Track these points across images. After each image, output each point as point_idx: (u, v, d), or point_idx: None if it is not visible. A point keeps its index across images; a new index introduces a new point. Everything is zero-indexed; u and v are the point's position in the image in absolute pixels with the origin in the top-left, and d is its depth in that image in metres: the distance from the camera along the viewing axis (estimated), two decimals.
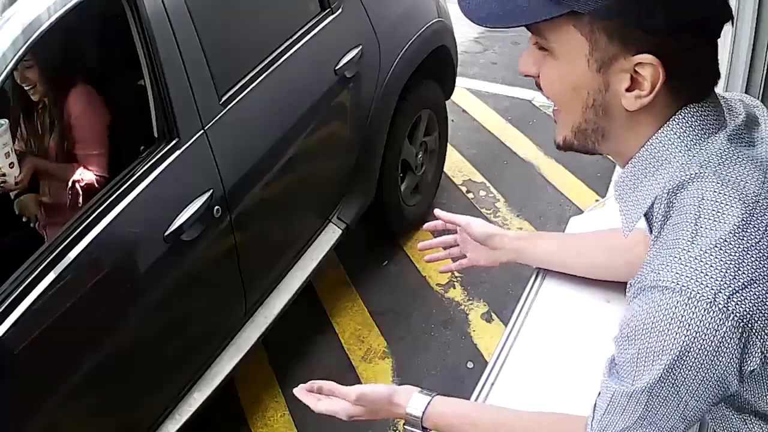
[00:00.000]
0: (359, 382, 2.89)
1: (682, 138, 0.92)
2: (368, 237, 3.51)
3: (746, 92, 1.74)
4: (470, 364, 2.95)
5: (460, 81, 3.95)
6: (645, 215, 0.99)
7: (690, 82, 0.92)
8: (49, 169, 2.51)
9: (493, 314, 3.15)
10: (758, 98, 1.62)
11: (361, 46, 2.91)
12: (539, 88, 0.98)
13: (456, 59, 3.63)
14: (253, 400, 2.89)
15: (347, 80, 2.87)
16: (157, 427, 2.29)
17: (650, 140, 0.94)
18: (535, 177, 3.95)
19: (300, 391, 1.32)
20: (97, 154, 2.45)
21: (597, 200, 3.64)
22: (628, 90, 0.91)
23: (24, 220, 2.59)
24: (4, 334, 1.78)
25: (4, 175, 2.31)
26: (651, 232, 1.00)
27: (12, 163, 2.32)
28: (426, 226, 1.62)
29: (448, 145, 3.81)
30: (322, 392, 1.31)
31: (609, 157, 1.04)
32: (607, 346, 1.33)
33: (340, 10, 2.87)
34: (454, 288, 3.30)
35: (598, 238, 1.46)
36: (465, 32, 5.13)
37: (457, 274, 3.32)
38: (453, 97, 3.80)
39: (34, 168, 2.48)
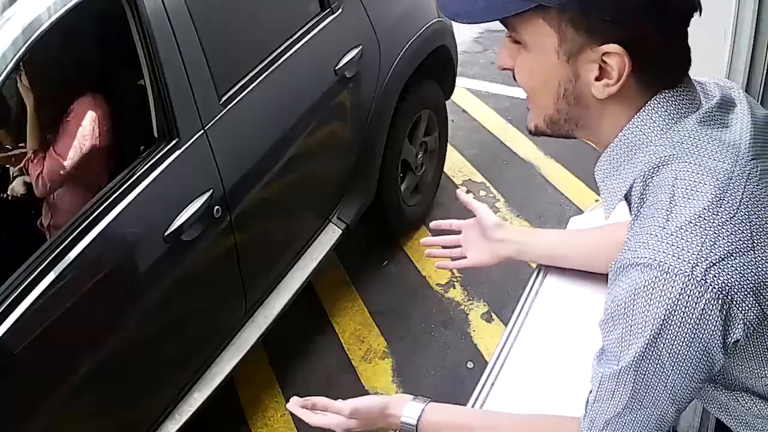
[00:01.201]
0: (359, 383, 2.92)
1: (657, 122, 0.95)
2: (368, 237, 3.51)
3: (746, 92, 1.75)
4: (470, 364, 2.94)
5: (460, 81, 3.95)
6: (626, 199, 1.02)
7: (659, 70, 0.95)
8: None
9: (493, 314, 3.15)
10: (758, 99, 1.63)
11: (361, 46, 2.91)
12: (516, 80, 1.02)
13: (456, 59, 3.63)
14: (253, 400, 2.89)
15: (347, 80, 2.87)
16: (157, 427, 2.29)
17: (626, 126, 0.97)
18: (535, 177, 3.95)
19: (293, 406, 1.32)
20: (62, 163, 2.33)
21: (597, 200, 3.64)
22: (597, 79, 0.94)
23: (9, 197, 2.57)
24: (4, 334, 1.78)
25: None
26: (631, 215, 1.02)
27: None
28: (432, 224, 1.62)
29: (448, 145, 3.81)
30: (315, 408, 1.30)
31: (588, 142, 1.06)
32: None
33: (340, 10, 2.87)
34: (454, 288, 3.30)
35: (600, 232, 1.47)
36: (465, 32, 5.14)
37: (457, 274, 3.32)
38: (453, 97, 3.80)
39: None
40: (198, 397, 2.39)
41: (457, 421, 1.24)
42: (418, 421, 1.21)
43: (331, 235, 2.98)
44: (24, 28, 1.87)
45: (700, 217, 0.88)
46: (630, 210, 1.02)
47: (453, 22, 3.55)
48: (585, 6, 0.90)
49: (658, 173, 0.94)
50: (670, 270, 0.87)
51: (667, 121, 0.95)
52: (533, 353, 1.40)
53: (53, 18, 1.91)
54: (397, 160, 3.29)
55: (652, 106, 0.96)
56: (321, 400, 1.30)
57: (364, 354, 3.06)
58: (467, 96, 4.67)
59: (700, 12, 0.95)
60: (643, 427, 0.97)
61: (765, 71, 1.77)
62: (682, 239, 0.88)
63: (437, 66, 3.46)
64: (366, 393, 2.89)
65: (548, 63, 0.95)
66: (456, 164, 4.06)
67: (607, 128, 0.99)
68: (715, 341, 0.89)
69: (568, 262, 1.50)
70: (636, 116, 0.96)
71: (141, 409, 2.28)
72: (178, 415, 2.33)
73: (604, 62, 0.92)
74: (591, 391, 1.01)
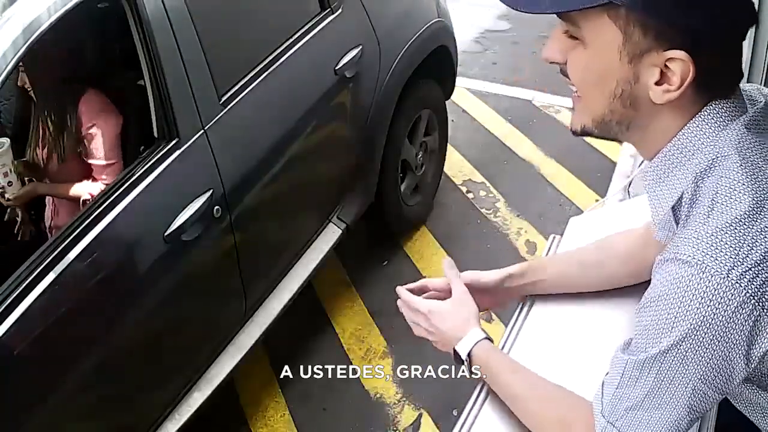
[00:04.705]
0: (359, 382, 2.91)
1: (710, 128, 0.95)
2: (368, 237, 3.51)
3: None
4: None
5: (460, 81, 3.95)
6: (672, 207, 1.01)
7: (717, 80, 0.95)
8: (52, 191, 2.49)
9: (493, 314, 3.14)
10: None
11: (361, 46, 2.91)
12: (564, 75, 1.00)
13: (456, 59, 3.63)
14: (253, 400, 2.89)
15: (347, 80, 2.87)
16: (157, 427, 2.29)
17: (679, 133, 0.97)
18: (535, 177, 3.95)
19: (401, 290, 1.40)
20: (112, 164, 2.38)
21: (597, 200, 3.64)
22: (657, 84, 0.93)
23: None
24: (4, 334, 1.78)
25: (3, 195, 2.38)
26: (677, 222, 1.01)
27: (11, 181, 2.38)
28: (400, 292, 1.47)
29: (448, 145, 3.81)
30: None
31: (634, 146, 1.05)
32: (606, 346, 1.33)
33: (340, 10, 2.87)
34: None
35: (600, 250, 1.45)
36: (465, 32, 5.14)
37: None
38: (453, 97, 3.80)
39: (36, 193, 2.48)
40: (198, 397, 2.39)
41: (496, 358, 1.27)
42: (472, 348, 1.26)
43: (331, 235, 2.98)
44: (24, 28, 1.86)
45: (739, 221, 0.89)
46: (676, 217, 1.01)
47: (453, 23, 3.56)
48: (657, 8, 0.89)
49: (708, 175, 0.94)
50: (707, 270, 0.88)
51: (719, 125, 0.95)
52: (533, 353, 1.40)
53: (53, 18, 1.91)
54: (397, 160, 3.29)
55: (706, 113, 0.96)
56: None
57: (364, 354, 3.06)
58: (467, 96, 4.67)
59: (757, 26, 0.95)
60: (656, 430, 0.98)
61: (765, 71, 1.78)
62: (722, 241, 0.89)
63: (437, 66, 3.46)
64: (366, 393, 2.89)
65: (608, 61, 0.94)
66: (456, 164, 4.06)
67: (657, 133, 0.98)
68: (740, 348, 0.90)
69: (578, 288, 1.46)
70: (689, 124, 0.96)
71: (141, 409, 2.28)
72: (178, 415, 2.33)
73: (667, 67, 0.92)
74: (609, 374, 1.02)
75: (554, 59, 0.99)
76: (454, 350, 1.29)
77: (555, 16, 0.96)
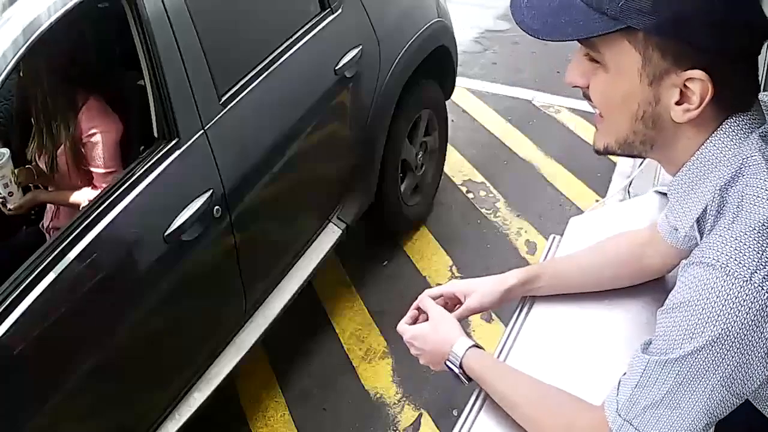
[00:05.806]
0: (359, 382, 2.92)
1: (732, 140, 0.97)
2: (368, 237, 3.51)
3: None
4: None
5: (460, 81, 3.95)
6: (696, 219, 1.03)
7: (736, 96, 0.97)
8: (53, 198, 2.49)
9: (493, 314, 3.15)
10: None
11: (361, 46, 2.91)
12: (586, 98, 1.02)
13: (456, 59, 3.63)
14: (253, 400, 2.90)
15: (347, 80, 2.87)
16: (157, 427, 2.29)
17: (702, 147, 0.98)
18: (535, 177, 3.96)
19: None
20: (112, 171, 2.37)
21: (597, 200, 3.64)
22: (677, 103, 0.95)
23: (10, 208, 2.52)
24: (4, 334, 1.78)
25: (5, 205, 2.38)
26: (701, 234, 1.03)
27: (11, 192, 2.37)
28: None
29: (448, 145, 3.81)
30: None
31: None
32: (606, 347, 1.33)
33: (340, 10, 2.88)
34: None
35: (599, 252, 1.45)
36: (465, 32, 5.14)
37: (456, 274, 3.33)
38: (453, 97, 3.80)
39: (36, 201, 2.48)
40: (198, 397, 2.39)
41: (489, 366, 1.29)
42: (464, 354, 1.31)
43: (331, 235, 2.98)
44: (24, 28, 1.86)
45: (763, 225, 0.91)
46: (700, 229, 1.03)
47: (453, 23, 3.56)
48: (674, 31, 0.91)
49: (734, 185, 0.96)
50: (731, 273, 0.90)
51: (739, 138, 0.97)
52: (533, 353, 1.40)
53: (53, 18, 1.91)
54: (397, 160, 3.29)
55: (726, 127, 0.97)
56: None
57: (364, 354, 3.06)
58: (467, 96, 4.67)
59: None
60: (672, 429, 0.99)
61: (765, 71, 1.78)
62: (745, 244, 0.90)
63: (437, 66, 3.46)
64: (366, 393, 2.89)
65: (629, 84, 0.96)
66: (456, 164, 4.06)
67: (681, 149, 1.00)
68: (759, 351, 0.91)
69: (575, 289, 1.48)
70: (710, 138, 0.98)
71: (141, 409, 2.28)
72: (178, 415, 2.33)
73: (686, 87, 0.93)
74: (628, 374, 1.03)
75: (576, 83, 1.01)
76: (449, 368, 1.33)
77: None
